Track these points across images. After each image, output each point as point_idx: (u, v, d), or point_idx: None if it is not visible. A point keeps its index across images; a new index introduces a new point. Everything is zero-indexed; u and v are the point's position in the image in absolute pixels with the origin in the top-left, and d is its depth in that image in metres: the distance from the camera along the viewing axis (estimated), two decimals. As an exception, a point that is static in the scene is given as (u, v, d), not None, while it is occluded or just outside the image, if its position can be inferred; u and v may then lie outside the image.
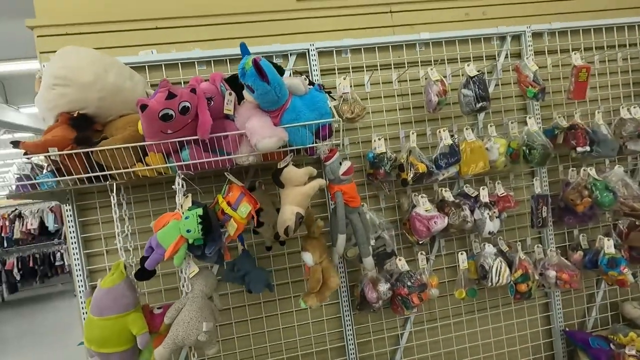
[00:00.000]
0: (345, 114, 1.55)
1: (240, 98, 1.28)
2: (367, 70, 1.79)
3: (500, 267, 1.67)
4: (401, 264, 1.66)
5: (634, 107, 1.87)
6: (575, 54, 1.77)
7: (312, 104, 1.25)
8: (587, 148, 1.76)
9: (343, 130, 1.70)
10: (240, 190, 1.25)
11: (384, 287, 1.59)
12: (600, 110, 1.86)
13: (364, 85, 1.80)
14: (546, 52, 1.95)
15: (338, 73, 1.76)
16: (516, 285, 1.68)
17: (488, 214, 1.65)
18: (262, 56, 1.15)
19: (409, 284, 1.59)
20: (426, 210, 1.65)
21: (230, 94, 1.22)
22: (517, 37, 1.93)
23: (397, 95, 1.85)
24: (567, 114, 1.91)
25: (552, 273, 1.73)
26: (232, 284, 1.69)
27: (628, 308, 1.97)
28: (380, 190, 1.80)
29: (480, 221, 1.66)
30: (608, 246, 1.77)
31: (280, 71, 1.33)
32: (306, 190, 1.23)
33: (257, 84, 1.09)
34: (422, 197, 1.69)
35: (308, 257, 1.33)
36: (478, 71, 1.66)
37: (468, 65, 1.67)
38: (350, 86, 1.67)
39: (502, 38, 1.92)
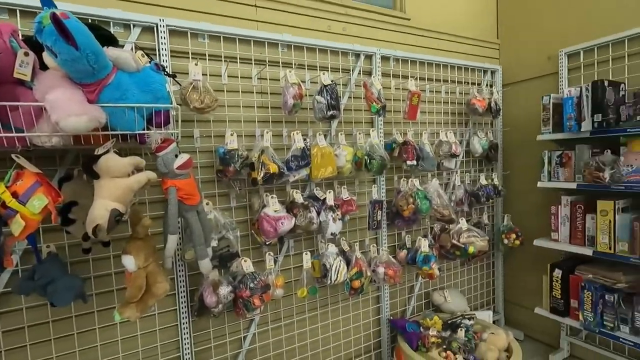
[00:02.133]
0: (193, 103, 1.41)
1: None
2: (225, 61, 1.69)
3: (339, 266, 1.80)
4: (246, 265, 1.61)
5: (449, 132, 2.29)
6: (411, 80, 2.06)
7: (145, 85, 1.08)
8: (415, 162, 2.06)
9: (180, 120, 1.55)
10: (34, 179, 0.99)
11: (225, 290, 1.51)
12: (426, 132, 2.22)
13: (220, 76, 1.69)
14: (391, 75, 2.22)
15: (192, 58, 1.61)
16: (351, 282, 1.83)
17: (332, 216, 1.76)
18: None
19: (251, 285, 1.55)
20: (275, 211, 1.66)
21: (26, 53, 0.94)
22: (369, 57, 2.13)
23: (256, 93, 1.80)
24: (403, 132, 2.21)
25: (381, 270, 1.96)
26: (35, 297, 1.34)
27: (435, 296, 2.40)
28: (231, 189, 1.72)
29: (325, 223, 1.75)
30: (424, 246, 2.11)
31: (109, 40, 1.11)
32: (129, 183, 1.06)
33: (61, 46, 0.87)
34: (272, 197, 1.68)
35: (129, 261, 1.14)
36: (332, 81, 1.75)
37: (324, 74, 1.75)
38: (204, 74, 1.55)
39: (357, 55, 2.09)
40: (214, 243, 1.50)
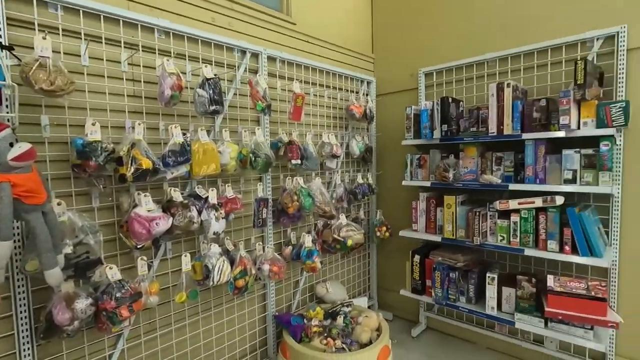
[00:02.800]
0: (39, 84, 1.18)
1: None
2: (85, 39, 1.47)
3: (223, 266, 1.74)
4: (112, 272, 1.43)
5: (331, 134, 2.46)
6: (296, 82, 2.14)
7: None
8: (299, 161, 2.15)
9: (18, 102, 1.29)
10: None
11: (83, 303, 1.31)
12: (310, 133, 2.33)
13: (80, 56, 1.46)
14: (277, 76, 2.27)
15: (39, 30, 1.34)
16: (235, 281, 1.80)
17: (214, 214, 1.70)
18: None
19: (118, 295, 1.38)
20: (148, 211, 1.51)
21: None
22: (255, 56, 2.13)
23: (127, 79, 1.62)
24: (288, 132, 2.28)
25: (266, 267, 1.98)
26: None
27: (318, 288, 2.54)
28: (93, 187, 1.50)
29: (207, 222, 1.68)
30: (307, 241, 2.22)
31: None
32: None
33: None
34: (145, 196, 1.53)
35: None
36: (215, 75, 1.69)
37: (206, 66, 1.68)
38: (57, 52, 1.32)
39: (243, 52, 2.07)
40: (68, 249, 1.28)
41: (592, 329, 1.89)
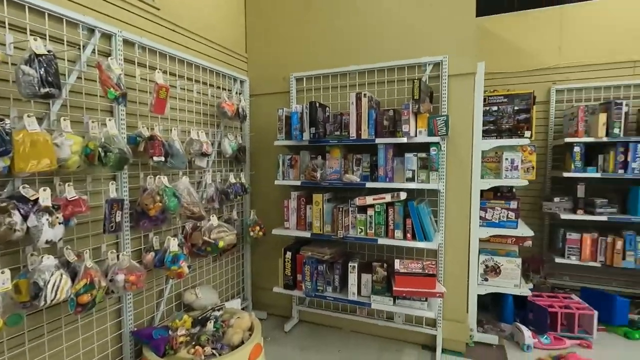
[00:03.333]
0: None
1: None
2: None
3: (59, 281, 1.46)
4: None
5: (201, 132, 2.34)
6: (158, 72, 1.96)
7: None
8: (162, 158, 1.97)
9: None
10: None
11: None
12: (176, 128, 2.17)
13: None
14: (136, 63, 2.04)
15: None
16: (77, 297, 1.53)
17: (47, 219, 1.41)
18: None
19: None
20: (-59, 218, 1.15)
21: None
22: (107, 37, 1.87)
23: None
24: (150, 126, 2.07)
25: (120, 277, 1.74)
26: None
27: (187, 295, 2.38)
28: None
29: (36, 229, 1.38)
30: (173, 245, 2.05)
31: None
32: None
33: None
34: None
35: None
36: (49, 51, 1.41)
37: (35, 39, 1.38)
38: None
39: (91, 30, 1.78)
40: None
41: (426, 300, 2.31)
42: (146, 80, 2.10)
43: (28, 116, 1.42)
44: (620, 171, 2.85)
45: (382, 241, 2.33)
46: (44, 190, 1.44)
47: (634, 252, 2.84)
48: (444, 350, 2.51)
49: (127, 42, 1.97)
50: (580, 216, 2.98)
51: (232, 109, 2.56)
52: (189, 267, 2.09)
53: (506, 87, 3.38)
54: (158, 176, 2.01)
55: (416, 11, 2.51)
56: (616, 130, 2.80)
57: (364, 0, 2.67)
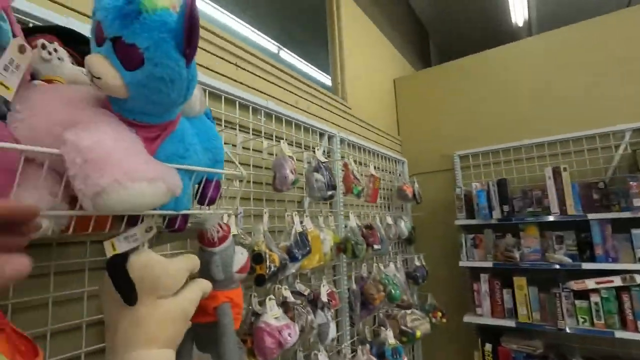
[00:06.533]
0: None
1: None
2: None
3: (337, 381, 1.44)
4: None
5: (389, 216, 2.39)
6: (371, 165, 2.11)
7: (207, 139, 0.68)
8: (379, 246, 2.01)
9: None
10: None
11: None
12: (378, 215, 2.24)
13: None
14: (341, 156, 2.23)
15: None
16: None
17: (330, 315, 1.45)
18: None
19: None
20: (275, 318, 1.24)
21: (22, 48, 0.45)
22: (330, 138, 2.10)
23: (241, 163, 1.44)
24: (364, 215, 2.16)
25: (366, 375, 1.68)
26: None
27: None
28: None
29: (325, 325, 1.42)
30: (389, 337, 1.97)
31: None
32: (185, 308, 0.57)
33: (169, 53, 0.45)
34: (269, 299, 1.26)
35: None
36: (326, 159, 1.60)
37: (318, 149, 1.59)
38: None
39: (322, 134, 2.02)
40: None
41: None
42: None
43: (306, 216, 1.57)
44: None
45: (619, 334, 1.98)
46: (323, 285, 1.51)
47: None
48: None
49: (341, 141, 2.19)
50: None
51: (411, 190, 2.61)
52: (405, 362, 1.96)
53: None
54: (375, 264, 2.03)
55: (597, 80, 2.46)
56: None
57: (521, 76, 2.71)
